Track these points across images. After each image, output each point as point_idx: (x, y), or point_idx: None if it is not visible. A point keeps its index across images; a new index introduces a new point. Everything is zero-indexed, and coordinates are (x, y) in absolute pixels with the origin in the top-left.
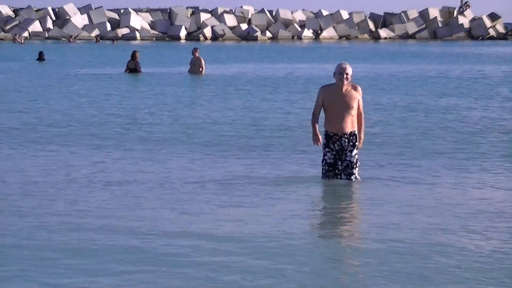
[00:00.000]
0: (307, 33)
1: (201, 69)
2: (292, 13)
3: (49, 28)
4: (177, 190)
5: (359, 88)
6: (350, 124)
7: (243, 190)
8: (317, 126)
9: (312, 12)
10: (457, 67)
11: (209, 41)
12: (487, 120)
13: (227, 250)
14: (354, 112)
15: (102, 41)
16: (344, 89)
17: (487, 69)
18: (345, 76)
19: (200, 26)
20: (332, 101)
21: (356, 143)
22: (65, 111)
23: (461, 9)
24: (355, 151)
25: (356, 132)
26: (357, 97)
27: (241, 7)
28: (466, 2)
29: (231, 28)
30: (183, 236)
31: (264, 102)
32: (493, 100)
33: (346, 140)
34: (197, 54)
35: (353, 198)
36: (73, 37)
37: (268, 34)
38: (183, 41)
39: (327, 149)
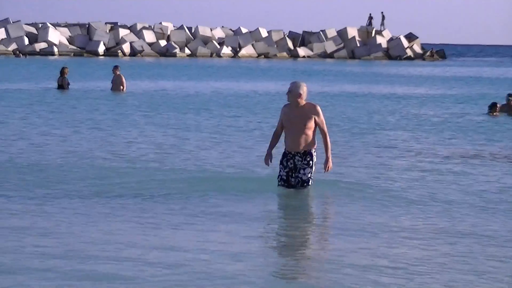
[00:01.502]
0: (226, 50)
1: (121, 87)
2: (211, 30)
3: None
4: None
5: (318, 107)
6: (304, 143)
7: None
8: (272, 145)
9: (231, 29)
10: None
11: (127, 57)
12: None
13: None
14: (309, 131)
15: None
16: (297, 108)
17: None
18: (295, 94)
19: (119, 42)
20: (287, 119)
21: (311, 162)
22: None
23: (370, 24)
24: (308, 170)
25: (311, 152)
26: (312, 116)
27: (160, 23)
28: (381, 12)
29: (150, 44)
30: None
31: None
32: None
33: (300, 159)
34: (118, 72)
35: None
36: None
37: (187, 51)
38: (101, 56)
39: (281, 166)
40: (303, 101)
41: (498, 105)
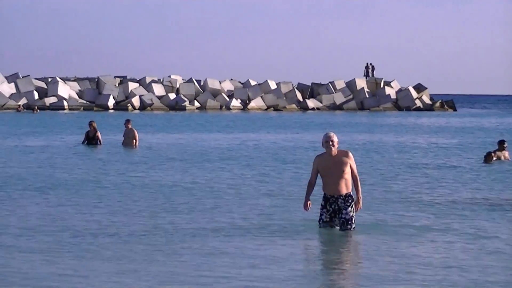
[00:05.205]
0: (235, 103)
1: (134, 141)
2: (220, 82)
3: None
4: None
5: (350, 153)
6: (345, 187)
7: (240, 236)
8: (309, 193)
9: (240, 82)
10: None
11: (137, 111)
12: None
13: None
14: (347, 175)
15: (26, 110)
16: (334, 155)
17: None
18: (331, 143)
19: (128, 95)
20: (325, 167)
21: (352, 203)
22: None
23: (367, 74)
24: (350, 209)
25: (351, 194)
26: (347, 162)
27: (169, 76)
28: (370, 64)
29: (159, 98)
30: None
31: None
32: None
33: (342, 201)
34: (130, 126)
35: (349, 246)
36: (20, 106)
37: (196, 103)
38: (111, 110)
39: (324, 210)
40: (337, 149)
41: (493, 154)
